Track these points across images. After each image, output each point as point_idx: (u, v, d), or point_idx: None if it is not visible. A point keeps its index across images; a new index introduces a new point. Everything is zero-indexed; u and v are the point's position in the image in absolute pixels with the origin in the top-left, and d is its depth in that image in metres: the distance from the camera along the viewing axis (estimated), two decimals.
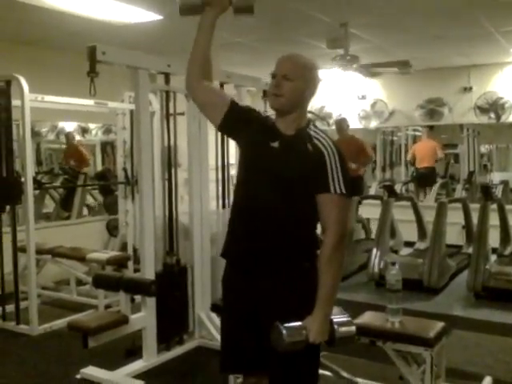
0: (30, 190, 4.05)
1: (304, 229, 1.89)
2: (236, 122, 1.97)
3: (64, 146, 6.85)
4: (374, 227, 5.57)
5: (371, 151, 7.22)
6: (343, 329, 1.82)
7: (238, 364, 1.99)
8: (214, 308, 3.49)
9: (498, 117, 7.18)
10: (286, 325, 1.74)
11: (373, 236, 5.75)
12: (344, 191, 1.79)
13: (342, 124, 6.76)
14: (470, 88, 7.31)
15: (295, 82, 1.85)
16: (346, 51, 5.34)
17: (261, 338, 1.86)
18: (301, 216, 1.87)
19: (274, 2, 4.25)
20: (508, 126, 7.57)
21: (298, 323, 1.77)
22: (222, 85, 3.99)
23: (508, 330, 3.98)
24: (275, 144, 1.88)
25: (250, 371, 2.00)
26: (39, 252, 4.36)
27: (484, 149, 9.03)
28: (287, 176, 1.84)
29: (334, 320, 1.82)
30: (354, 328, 1.85)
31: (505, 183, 7.20)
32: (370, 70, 6.18)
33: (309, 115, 2.00)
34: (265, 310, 1.85)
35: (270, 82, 1.91)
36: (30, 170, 4.12)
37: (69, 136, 6.71)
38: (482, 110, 7.28)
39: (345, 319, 1.85)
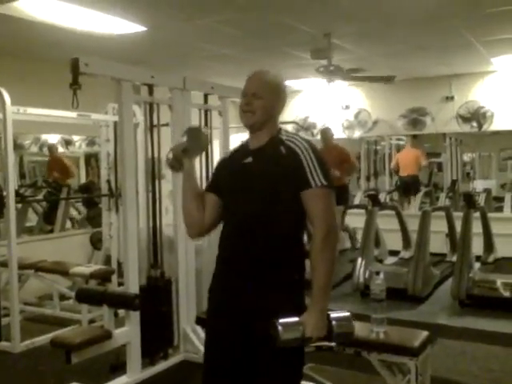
0: (12, 204, 4.00)
1: (291, 240, 1.89)
2: (219, 182, 2.03)
3: (47, 159, 6.79)
4: (359, 236, 5.62)
5: (355, 160, 7.29)
6: (342, 324, 1.78)
7: (221, 380, 1.95)
8: (199, 321, 3.48)
9: (480, 126, 7.27)
10: (282, 321, 1.71)
11: (359, 245, 5.80)
12: (325, 183, 1.81)
13: (326, 133, 6.84)
14: (452, 97, 7.40)
15: (265, 99, 1.90)
16: (330, 61, 5.39)
17: (245, 350, 1.85)
18: (287, 227, 1.87)
19: (258, 13, 4.28)
20: (490, 135, 7.68)
21: (295, 319, 1.74)
22: (206, 96, 4.00)
23: (492, 338, 4.03)
24: (248, 159, 1.92)
25: None
26: (21, 267, 4.29)
27: (467, 157, 9.16)
28: (266, 185, 1.85)
29: (332, 315, 1.79)
30: (353, 323, 1.81)
31: (487, 191, 7.30)
32: (355, 79, 6.24)
33: (289, 126, 2.02)
34: (252, 322, 1.84)
35: (241, 101, 1.95)
36: (12, 183, 4.07)
37: (52, 148, 6.66)
38: (464, 119, 7.37)
39: (343, 315, 1.81)
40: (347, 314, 1.83)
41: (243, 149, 2.00)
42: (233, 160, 2.02)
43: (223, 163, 2.10)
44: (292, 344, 1.74)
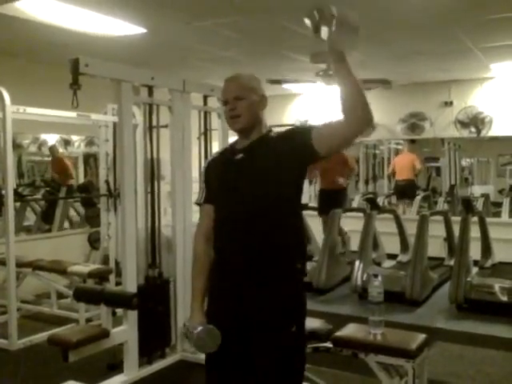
0: (10, 203, 4.00)
1: (291, 229, 1.91)
2: (211, 188, 2.04)
3: (46, 159, 6.79)
4: (356, 240, 5.62)
5: (355, 163, 7.33)
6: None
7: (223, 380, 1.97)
8: None
9: (479, 131, 7.29)
10: None
11: (353, 248, 5.82)
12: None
13: None
14: (451, 102, 7.43)
15: (248, 99, 1.92)
16: (329, 66, 5.40)
17: (248, 347, 1.87)
18: (286, 217, 1.89)
19: (258, 16, 4.29)
20: (488, 140, 7.70)
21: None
22: (205, 97, 4.01)
23: (489, 342, 4.04)
24: (239, 156, 1.96)
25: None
26: (19, 265, 4.29)
27: (465, 162, 9.18)
28: (259, 176, 1.88)
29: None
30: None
31: (485, 196, 7.32)
32: None
33: None
34: (252, 314, 1.86)
35: (225, 109, 1.96)
36: (11, 182, 4.07)
37: (53, 149, 6.67)
38: (463, 124, 7.40)
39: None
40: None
41: (230, 150, 2.03)
42: (221, 160, 2.04)
43: (209, 169, 2.08)
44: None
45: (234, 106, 1.91)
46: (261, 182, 1.88)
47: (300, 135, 1.87)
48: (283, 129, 1.99)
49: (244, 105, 1.91)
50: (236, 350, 1.91)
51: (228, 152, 2.03)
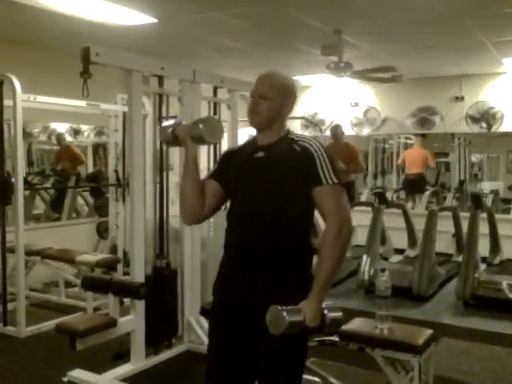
0: (20, 191, 4.02)
1: (299, 236, 1.91)
2: (224, 172, 2.01)
3: (55, 148, 6.81)
4: (363, 234, 5.59)
5: (362, 160, 7.29)
6: (332, 314, 1.83)
7: (225, 374, 1.97)
8: (204, 312, 3.48)
9: (489, 126, 7.23)
10: (284, 307, 1.74)
11: (360, 243, 5.80)
12: (336, 181, 1.85)
13: (336, 131, 6.84)
14: (462, 97, 7.37)
15: (271, 101, 1.92)
16: (340, 58, 5.37)
17: (248, 342, 1.88)
18: (297, 223, 1.89)
19: (269, 8, 4.27)
20: (499, 136, 7.64)
21: (295, 306, 1.77)
22: (215, 88, 4.00)
23: (496, 339, 4.00)
24: (259, 154, 1.94)
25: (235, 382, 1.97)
26: (28, 253, 4.33)
27: (475, 158, 9.11)
28: (279, 179, 1.87)
29: (323, 305, 1.83)
30: (341, 313, 1.86)
31: (495, 192, 7.26)
32: (361, 77, 6.22)
33: (298, 122, 2.02)
34: (254, 318, 1.85)
35: (249, 101, 1.96)
36: (21, 171, 4.10)
37: (60, 138, 6.69)
38: (474, 119, 7.34)
39: (333, 305, 1.86)
40: (334, 303, 1.87)
41: (251, 145, 2.01)
42: (241, 154, 2.01)
43: (229, 156, 2.09)
44: (295, 328, 1.75)
45: (257, 103, 1.93)
46: (276, 186, 1.88)
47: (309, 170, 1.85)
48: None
49: (266, 105, 1.91)
50: (237, 342, 1.92)
51: (249, 148, 2.01)
